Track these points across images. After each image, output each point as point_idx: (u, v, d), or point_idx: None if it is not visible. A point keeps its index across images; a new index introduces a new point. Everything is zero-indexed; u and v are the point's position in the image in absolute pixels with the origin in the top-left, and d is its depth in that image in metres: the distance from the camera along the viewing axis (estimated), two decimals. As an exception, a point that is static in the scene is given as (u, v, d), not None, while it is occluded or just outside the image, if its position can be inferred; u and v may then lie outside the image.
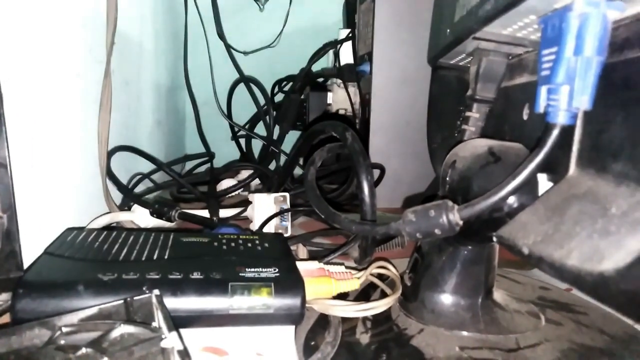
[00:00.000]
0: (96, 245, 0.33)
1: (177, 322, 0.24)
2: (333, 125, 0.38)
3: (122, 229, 0.47)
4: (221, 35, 0.88)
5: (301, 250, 0.46)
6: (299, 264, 0.34)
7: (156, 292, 0.26)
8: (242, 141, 0.98)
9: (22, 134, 0.34)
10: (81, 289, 0.27)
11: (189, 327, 0.28)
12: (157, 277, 0.29)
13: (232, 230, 0.47)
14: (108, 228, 0.46)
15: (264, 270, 0.31)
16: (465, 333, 0.30)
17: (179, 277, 0.29)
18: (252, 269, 0.31)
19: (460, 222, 0.24)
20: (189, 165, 0.91)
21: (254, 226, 0.53)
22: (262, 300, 0.29)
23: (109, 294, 0.27)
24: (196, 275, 0.30)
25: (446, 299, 0.32)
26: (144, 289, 0.27)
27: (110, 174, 0.50)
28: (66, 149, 0.42)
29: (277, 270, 0.31)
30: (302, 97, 0.94)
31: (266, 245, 0.37)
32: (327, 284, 0.33)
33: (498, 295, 0.33)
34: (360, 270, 0.37)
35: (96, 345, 0.22)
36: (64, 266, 0.30)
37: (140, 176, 0.62)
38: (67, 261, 0.31)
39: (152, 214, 0.49)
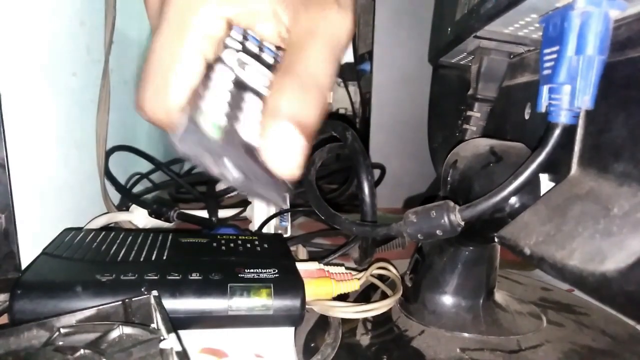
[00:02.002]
0: (94, 246, 0.33)
1: (176, 323, 0.24)
2: (333, 125, 0.38)
3: (121, 230, 0.47)
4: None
5: (301, 251, 0.46)
6: (298, 265, 0.34)
7: (155, 293, 0.26)
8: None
9: (20, 134, 0.34)
10: (79, 289, 0.27)
11: (188, 329, 0.28)
12: (156, 278, 0.29)
13: (231, 231, 0.47)
14: (106, 228, 0.46)
15: (263, 271, 0.31)
16: (466, 334, 0.30)
17: (178, 278, 0.29)
18: (252, 270, 0.31)
19: (462, 223, 0.24)
20: (188, 164, 0.91)
21: (253, 226, 0.53)
22: (261, 302, 0.29)
23: (107, 295, 0.27)
24: (195, 276, 0.29)
25: (447, 300, 0.32)
26: (142, 290, 0.27)
27: (108, 174, 0.50)
28: (64, 149, 0.41)
29: (276, 271, 0.31)
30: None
31: (265, 245, 0.37)
32: (327, 285, 0.33)
33: (499, 296, 0.33)
34: (360, 271, 0.36)
35: (94, 346, 0.22)
36: (62, 267, 0.30)
37: (138, 176, 0.62)
38: (65, 262, 0.30)
39: (150, 214, 0.49)
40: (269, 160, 0.17)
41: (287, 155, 0.17)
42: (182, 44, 0.18)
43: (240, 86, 0.18)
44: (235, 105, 0.17)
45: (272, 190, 0.16)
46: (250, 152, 0.16)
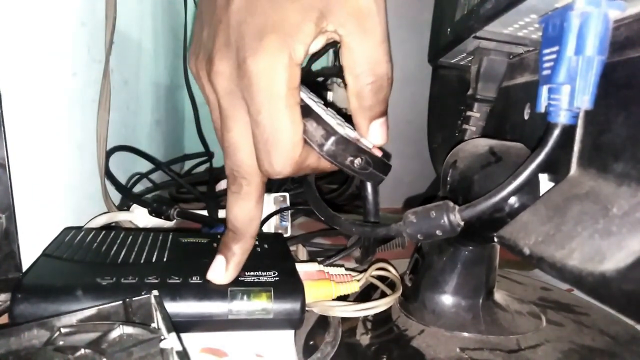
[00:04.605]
0: (94, 247, 0.33)
1: (176, 327, 0.24)
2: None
3: (121, 229, 0.47)
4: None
5: (301, 251, 0.46)
6: (298, 267, 0.34)
7: (155, 292, 0.26)
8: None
9: (21, 134, 0.34)
10: (79, 293, 0.27)
11: (188, 332, 0.28)
12: (156, 281, 0.29)
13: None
14: (106, 228, 0.46)
15: (263, 274, 0.31)
16: (466, 334, 0.30)
17: (178, 281, 0.29)
18: (251, 273, 0.31)
19: (462, 223, 0.24)
20: (188, 164, 0.91)
21: (254, 226, 0.53)
22: (261, 305, 0.29)
23: (108, 298, 0.26)
24: (195, 280, 0.29)
25: (447, 299, 0.32)
26: (142, 293, 0.27)
27: (108, 174, 0.50)
28: (65, 149, 0.41)
29: (276, 273, 0.31)
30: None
31: (265, 246, 0.37)
32: (326, 287, 0.33)
33: (499, 296, 0.33)
34: (360, 272, 0.36)
35: (95, 346, 0.22)
36: (62, 269, 0.30)
37: (138, 176, 0.62)
38: (66, 264, 0.30)
39: (150, 212, 0.49)
40: (374, 139, 0.26)
41: (382, 132, 0.26)
42: (285, 107, 0.23)
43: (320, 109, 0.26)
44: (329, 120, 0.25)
45: (378, 170, 0.26)
46: (359, 146, 0.25)
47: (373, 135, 0.26)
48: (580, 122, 0.22)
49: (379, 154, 0.27)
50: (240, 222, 0.28)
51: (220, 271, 0.29)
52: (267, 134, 0.23)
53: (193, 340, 0.29)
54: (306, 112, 0.25)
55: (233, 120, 0.25)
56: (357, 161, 0.25)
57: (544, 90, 0.21)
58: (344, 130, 0.26)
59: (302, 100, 0.25)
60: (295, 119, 0.24)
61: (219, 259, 0.29)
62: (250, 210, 0.27)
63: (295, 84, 0.23)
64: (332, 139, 0.25)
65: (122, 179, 0.56)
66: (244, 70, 0.23)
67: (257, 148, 0.24)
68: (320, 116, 0.25)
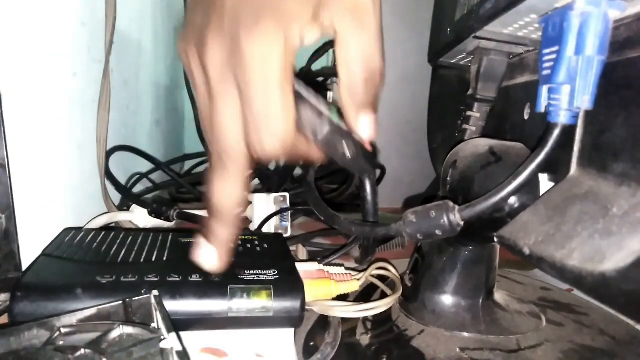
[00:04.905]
0: (94, 247, 0.33)
1: (176, 325, 0.24)
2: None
3: (120, 230, 0.47)
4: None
5: (301, 251, 0.46)
6: (298, 266, 0.34)
7: (155, 292, 0.26)
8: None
9: (21, 134, 0.34)
10: (79, 292, 0.27)
11: (188, 330, 0.28)
12: (156, 279, 0.29)
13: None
14: (106, 228, 0.46)
15: (263, 272, 0.31)
16: (466, 334, 0.30)
17: (178, 279, 0.29)
18: (251, 271, 0.31)
19: (462, 223, 0.24)
20: (188, 164, 0.91)
21: (253, 226, 0.53)
22: (261, 303, 0.29)
23: (108, 297, 0.26)
24: (195, 278, 0.29)
25: (447, 299, 0.32)
26: (142, 292, 0.27)
27: (108, 174, 0.50)
28: (65, 149, 0.41)
29: (276, 272, 0.31)
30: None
31: (265, 246, 0.37)
32: (326, 286, 0.33)
33: (499, 296, 0.33)
34: (360, 271, 0.36)
35: (95, 346, 0.22)
36: (62, 268, 0.30)
37: (138, 176, 0.62)
38: (65, 263, 0.30)
39: (150, 213, 0.49)
40: (363, 133, 0.26)
41: (371, 126, 0.26)
42: (279, 91, 0.23)
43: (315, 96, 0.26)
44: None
45: (367, 161, 0.26)
46: (351, 135, 0.25)
47: (362, 130, 0.26)
48: (580, 122, 0.22)
49: (368, 147, 0.27)
50: (226, 206, 0.27)
51: (212, 259, 0.28)
52: (260, 115, 0.23)
53: (193, 340, 0.29)
54: (299, 98, 0.25)
55: (223, 101, 0.24)
56: (347, 151, 0.26)
57: (544, 90, 0.21)
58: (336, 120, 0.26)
59: (295, 86, 0.25)
60: (288, 102, 0.24)
61: (207, 248, 0.28)
62: (237, 195, 0.27)
63: (290, 67, 0.23)
64: (325, 125, 0.25)
65: (122, 179, 0.56)
66: (238, 52, 0.22)
67: (248, 130, 0.24)
68: (313, 103, 0.25)
